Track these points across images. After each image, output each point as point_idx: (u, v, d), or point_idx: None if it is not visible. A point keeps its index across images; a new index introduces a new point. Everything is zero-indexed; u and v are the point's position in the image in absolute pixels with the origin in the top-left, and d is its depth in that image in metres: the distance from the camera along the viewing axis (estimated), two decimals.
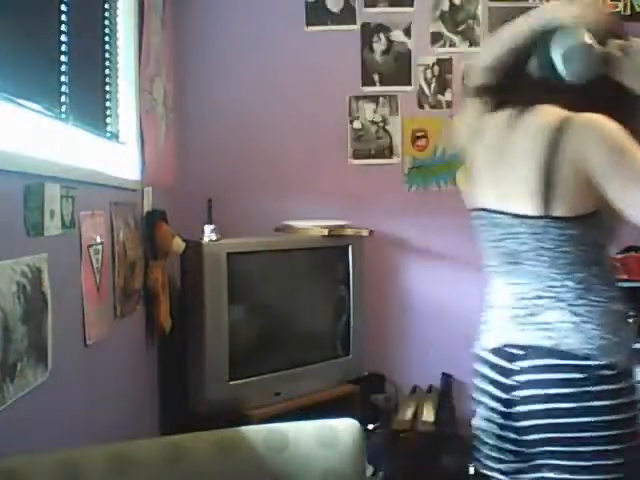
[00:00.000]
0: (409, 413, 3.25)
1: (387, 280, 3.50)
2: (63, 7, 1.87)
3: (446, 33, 3.51)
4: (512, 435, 1.53)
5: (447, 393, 3.39)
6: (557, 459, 1.44)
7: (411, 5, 3.49)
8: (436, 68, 3.50)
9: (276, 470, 1.50)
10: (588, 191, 1.41)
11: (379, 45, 3.50)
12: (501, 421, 1.56)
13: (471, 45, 3.51)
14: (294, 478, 1.50)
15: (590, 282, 1.47)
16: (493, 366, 1.59)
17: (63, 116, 1.87)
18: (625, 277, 3.14)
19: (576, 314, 1.45)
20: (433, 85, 3.51)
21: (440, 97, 3.51)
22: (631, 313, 3.28)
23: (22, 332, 1.42)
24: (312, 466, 1.51)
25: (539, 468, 1.49)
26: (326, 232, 3.08)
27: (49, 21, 1.82)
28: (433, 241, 3.51)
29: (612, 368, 1.41)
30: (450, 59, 3.51)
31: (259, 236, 3.03)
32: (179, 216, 3.01)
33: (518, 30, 1.63)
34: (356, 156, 3.51)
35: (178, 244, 2.66)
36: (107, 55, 2.37)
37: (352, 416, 1.61)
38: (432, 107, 3.51)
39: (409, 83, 3.51)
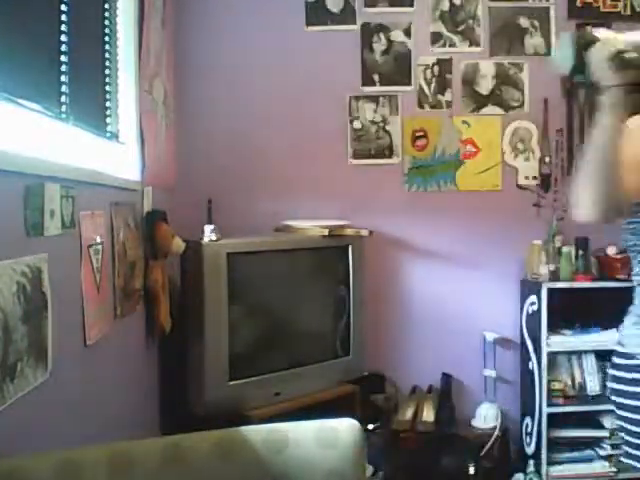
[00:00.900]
0: (409, 413, 3.25)
1: (387, 280, 3.50)
2: (63, 7, 1.87)
3: (446, 33, 3.50)
4: None
5: (447, 393, 3.39)
6: None
7: (411, 5, 3.49)
8: (436, 68, 3.50)
9: (276, 470, 1.50)
10: None
11: (379, 45, 3.49)
12: None
13: (471, 45, 3.51)
14: (294, 478, 1.50)
15: None
16: None
17: (63, 116, 1.87)
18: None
19: None
20: (433, 85, 3.51)
21: (440, 97, 3.51)
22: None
23: (22, 332, 1.42)
24: (312, 466, 1.51)
25: None
26: (326, 232, 3.08)
27: (49, 21, 1.82)
28: (433, 241, 3.51)
29: None
30: (450, 59, 3.51)
31: (259, 236, 3.03)
32: (179, 216, 3.01)
33: None
34: (356, 156, 3.51)
35: (178, 244, 2.66)
36: (107, 55, 2.37)
37: (352, 416, 1.61)
38: (432, 107, 3.51)
39: (409, 83, 3.51)
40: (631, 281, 1.66)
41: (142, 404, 2.60)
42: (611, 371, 1.69)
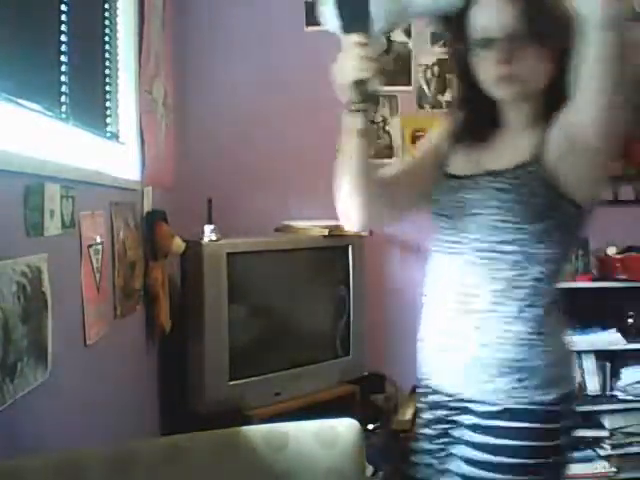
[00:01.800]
0: (409, 413, 3.24)
1: (387, 280, 3.50)
2: (63, 7, 1.87)
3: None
4: None
5: None
6: None
7: None
8: (436, 68, 3.50)
9: (276, 470, 1.50)
10: None
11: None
12: None
13: None
14: (294, 478, 1.50)
15: None
16: None
17: (63, 116, 1.87)
18: (625, 277, 3.14)
19: None
20: (433, 85, 3.51)
21: (440, 97, 3.51)
22: (630, 313, 3.30)
23: (22, 332, 1.42)
24: (312, 466, 1.51)
25: None
26: (326, 232, 3.07)
27: (49, 21, 1.82)
28: None
29: None
30: None
31: (259, 236, 3.03)
32: (179, 216, 3.00)
33: None
34: None
35: (178, 244, 2.66)
36: (107, 55, 2.37)
37: (352, 416, 1.61)
38: (432, 107, 3.51)
39: (409, 83, 3.51)
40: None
41: (142, 404, 2.60)
42: None
